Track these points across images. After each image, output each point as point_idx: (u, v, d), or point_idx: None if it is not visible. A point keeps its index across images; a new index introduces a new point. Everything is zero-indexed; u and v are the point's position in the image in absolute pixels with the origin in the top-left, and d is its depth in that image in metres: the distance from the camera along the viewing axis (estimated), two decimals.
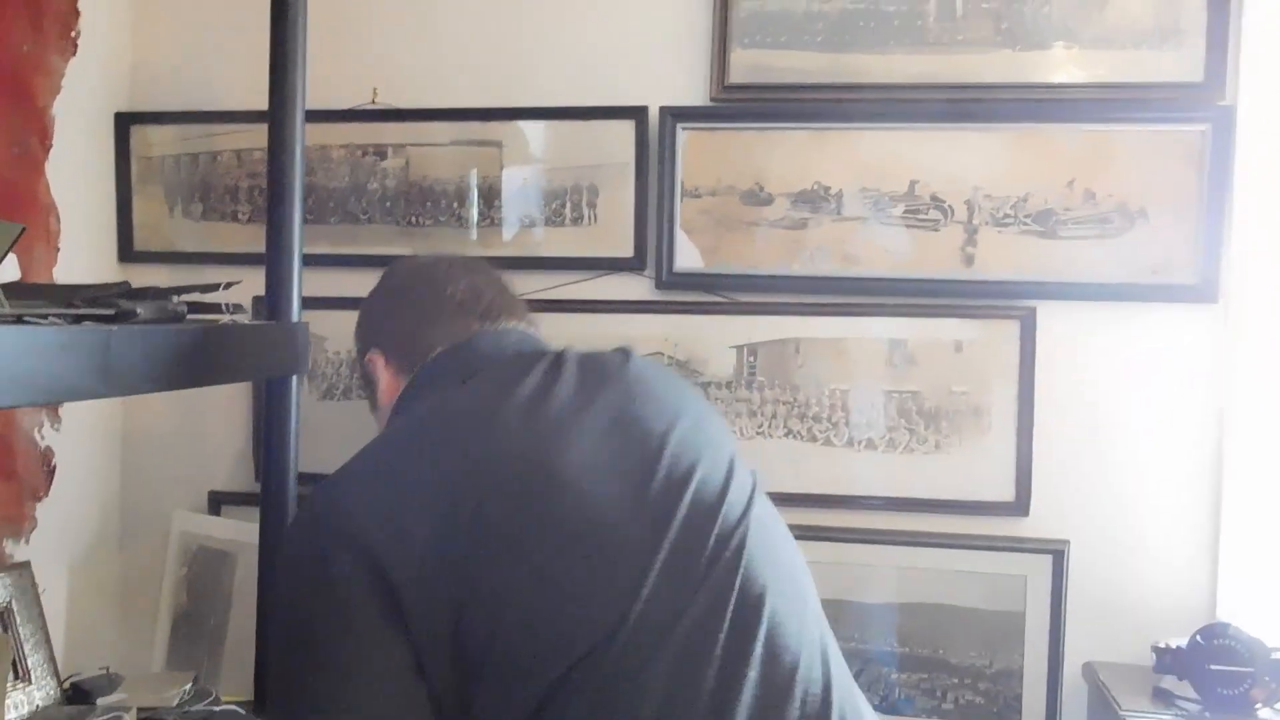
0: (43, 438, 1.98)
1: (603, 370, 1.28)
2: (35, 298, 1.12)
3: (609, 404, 1.22)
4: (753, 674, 1.07)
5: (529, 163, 2.06)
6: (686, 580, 1.09)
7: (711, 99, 1.99)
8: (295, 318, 1.57)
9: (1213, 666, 1.69)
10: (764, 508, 1.23)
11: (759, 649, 1.08)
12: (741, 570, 1.12)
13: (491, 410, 1.19)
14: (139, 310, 1.14)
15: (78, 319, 1.07)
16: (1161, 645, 1.75)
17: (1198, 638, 1.71)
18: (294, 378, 1.58)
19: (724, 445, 1.27)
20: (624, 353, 1.33)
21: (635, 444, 1.18)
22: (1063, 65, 1.90)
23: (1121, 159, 1.88)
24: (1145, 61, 1.87)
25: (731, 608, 1.09)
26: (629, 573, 1.08)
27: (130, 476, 2.21)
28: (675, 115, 1.99)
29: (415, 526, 1.07)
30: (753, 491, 1.22)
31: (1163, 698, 1.73)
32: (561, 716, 1.04)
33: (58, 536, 2.02)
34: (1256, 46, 1.82)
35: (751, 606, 1.11)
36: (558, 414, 1.19)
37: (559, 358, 1.29)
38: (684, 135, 1.99)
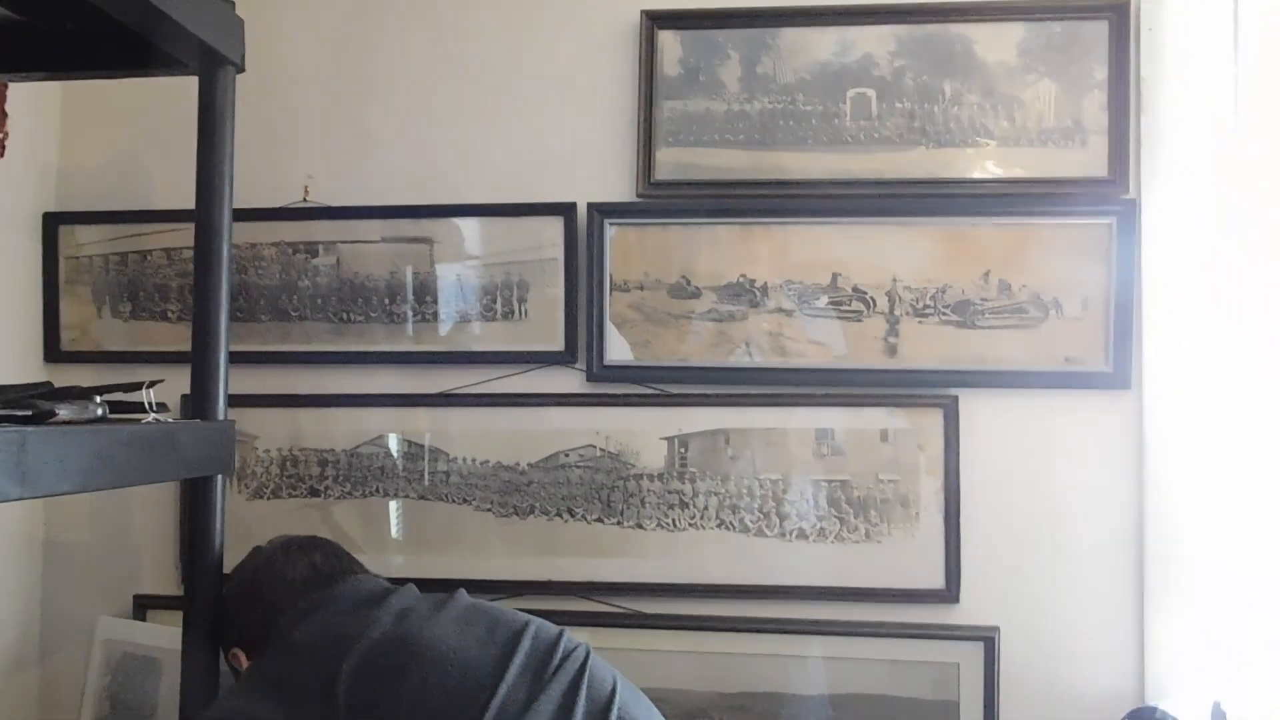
0: None
1: (443, 595, 1.53)
2: None
3: (457, 605, 1.49)
4: None
5: (460, 259, 2.08)
6: (537, 680, 1.38)
7: (638, 195, 2.04)
8: (221, 416, 1.56)
9: None
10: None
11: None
12: (588, 672, 1.40)
13: (365, 613, 1.44)
14: (58, 410, 1.14)
15: None
16: None
17: None
18: (220, 477, 1.56)
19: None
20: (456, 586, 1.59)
21: (481, 616, 1.47)
22: (975, 162, 1.97)
23: (1034, 251, 1.94)
24: (1053, 158, 1.95)
25: (583, 696, 1.37)
26: (486, 682, 1.35)
27: (52, 581, 2.15)
28: (603, 211, 2.03)
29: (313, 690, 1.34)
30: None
31: None
32: None
33: None
34: (1155, 143, 1.91)
35: (602, 697, 1.39)
36: (418, 608, 1.47)
37: (407, 586, 1.54)
38: (612, 230, 2.03)
